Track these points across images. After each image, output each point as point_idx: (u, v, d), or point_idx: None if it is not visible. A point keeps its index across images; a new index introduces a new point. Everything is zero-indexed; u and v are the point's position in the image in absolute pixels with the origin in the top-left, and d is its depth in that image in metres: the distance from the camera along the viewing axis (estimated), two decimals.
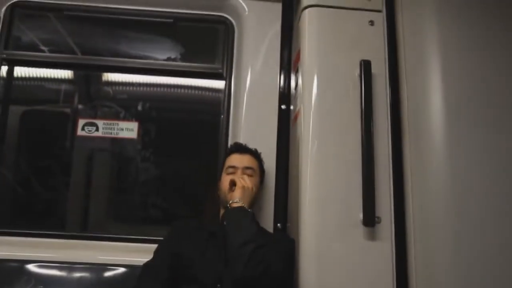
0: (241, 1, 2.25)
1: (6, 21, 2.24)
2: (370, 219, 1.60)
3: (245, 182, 1.74)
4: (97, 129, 2.21)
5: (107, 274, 1.89)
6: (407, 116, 1.73)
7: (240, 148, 1.90)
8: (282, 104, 2.10)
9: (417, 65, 1.72)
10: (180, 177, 2.34)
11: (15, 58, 2.26)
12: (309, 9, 1.88)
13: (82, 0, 2.29)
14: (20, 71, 2.33)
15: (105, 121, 2.23)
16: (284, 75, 2.15)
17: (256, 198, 1.82)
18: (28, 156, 2.29)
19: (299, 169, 1.74)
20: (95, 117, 2.27)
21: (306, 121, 1.76)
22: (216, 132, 2.19)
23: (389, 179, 1.70)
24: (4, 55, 2.21)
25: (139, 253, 1.80)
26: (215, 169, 2.06)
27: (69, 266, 1.89)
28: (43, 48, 2.35)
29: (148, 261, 1.68)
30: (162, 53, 2.39)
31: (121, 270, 1.89)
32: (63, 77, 2.39)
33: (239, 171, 1.81)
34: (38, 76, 2.37)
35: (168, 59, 2.37)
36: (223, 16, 2.31)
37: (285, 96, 2.11)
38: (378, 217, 1.63)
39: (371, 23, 1.87)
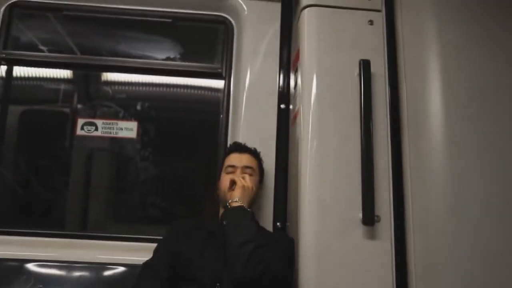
0: (240, 1, 2.25)
1: (5, 21, 2.24)
2: (369, 218, 1.60)
3: (244, 181, 1.74)
4: (96, 129, 2.21)
5: (107, 273, 1.89)
6: (407, 116, 1.73)
7: (240, 148, 1.90)
8: (282, 103, 2.11)
9: (417, 64, 1.73)
10: (179, 176, 2.35)
11: (14, 58, 2.26)
12: (308, 8, 1.88)
13: (81, 0, 2.29)
14: (19, 71, 2.32)
15: (104, 121, 2.23)
16: (283, 74, 2.15)
17: (255, 197, 1.82)
18: (27, 156, 2.29)
19: (298, 168, 1.75)
20: (94, 117, 2.27)
21: (305, 121, 1.76)
22: (216, 132, 2.19)
23: (389, 178, 1.70)
24: (3, 55, 2.21)
25: (139, 252, 1.81)
26: (214, 168, 2.06)
27: (69, 265, 1.88)
28: (42, 48, 2.35)
29: (147, 260, 1.68)
30: (161, 53, 2.39)
31: (121, 269, 1.89)
32: (62, 76, 2.39)
33: (238, 171, 1.82)
34: (37, 76, 2.37)
35: (168, 58, 2.38)
36: (222, 16, 2.31)
37: (285, 95, 2.12)
38: (378, 216, 1.63)
39: (371, 22, 1.87)
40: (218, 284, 1.55)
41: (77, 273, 1.88)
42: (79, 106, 2.34)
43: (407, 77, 1.77)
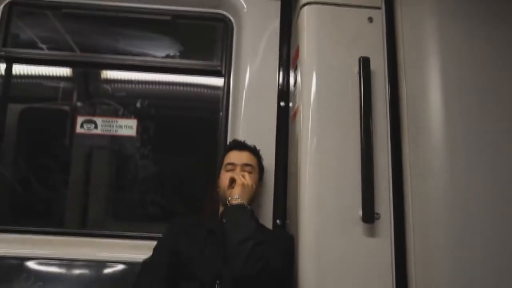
0: None
1: (4, 19, 2.24)
2: (369, 215, 1.60)
3: (244, 179, 1.74)
4: (96, 127, 2.21)
5: (106, 271, 1.89)
6: (406, 113, 1.73)
7: (239, 145, 1.90)
8: (281, 101, 2.11)
9: (416, 61, 1.72)
10: (179, 174, 2.35)
11: (13, 56, 2.25)
12: (308, 6, 1.88)
13: None
14: (18, 69, 2.32)
15: (104, 119, 2.23)
16: (283, 72, 2.15)
17: (255, 195, 1.82)
18: (27, 154, 2.29)
19: (298, 166, 1.74)
20: (94, 115, 2.27)
21: (305, 118, 1.76)
22: (215, 129, 2.19)
23: (388, 175, 1.70)
24: (3, 53, 2.21)
25: (138, 250, 1.81)
26: (214, 166, 2.05)
27: (68, 263, 1.89)
28: (41, 45, 2.35)
29: (147, 258, 1.69)
30: (161, 51, 2.39)
31: (120, 267, 1.89)
32: (61, 74, 2.39)
33: (238, 168, 1.81)
34: (37, 73, 2.37)
35: (167, 56, 2.38)
36: (221, 14, 2.31)
37: (284, 93, 2.12)
38: (378, 214, 1.63)
39: (370, 20, 1.86)
40: (218, 282, 1.55)
41: (77, 271, 1.88)
42: (79, 104, 2.34)
43: (407, 74, 1.76)
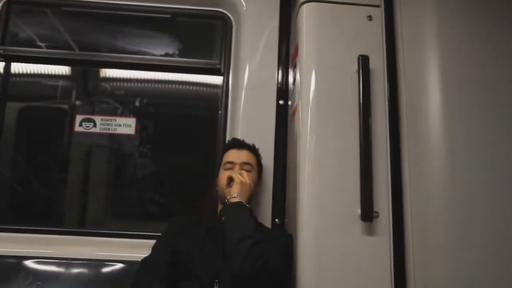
0: None
1: (3, 17, 2.24)
2: (368, 214, 1.60)
3: (243, 177, 1.74)
4: (94, 125, 2.21)
5: (105, 270, 1.89)
6: (405, 111, 1.72)
7: (238, 144, 1.89)
8: (280, 99, 2.11)
9: (416, 60, 1.72)
10: (178, 173, 2.34)
11: (12, 54, 2.25)
12: (307, 4, 1.88)
13: None
14: (17, 67, 2.32)
15: (102, 117, 2.23)
16: (282, 70, 2.15)
17: (254, 193, 1.81)
18: (25, 152, 2.29)
19: (297, 164, 1.74)
20: (92, 113, 2.26)
21: (304, 117, 1.76)
22: (214, 128, 2.19)
23: (387, 173, 1.70)
24: (1, 51, 2.21)
25: (137, 249, 1.80)
26: (213, 164, 2.06)
27: (67, 262, 1.88)
28: (40, 44, 2.34)
29: (146, 257, 1.68)
30: (160, 49, 2.38)
31: (119, 266, 1.89)
32: (60, 73, 2.39)
33: (237, 167, 1.81)
34: (36, 72, 2.37)
35: (166, 54, 2.37)
36: (221, 12, 2.30)
37: (283, 91, 2.12)
38: (376, 212, 1.63)
39: (369, 18, 1.86)
40: (216, 281, 1.55)
41: (75, 270, 1.88)
42: (78, 102, 2.33)
43: (406, 72, 1.76)
